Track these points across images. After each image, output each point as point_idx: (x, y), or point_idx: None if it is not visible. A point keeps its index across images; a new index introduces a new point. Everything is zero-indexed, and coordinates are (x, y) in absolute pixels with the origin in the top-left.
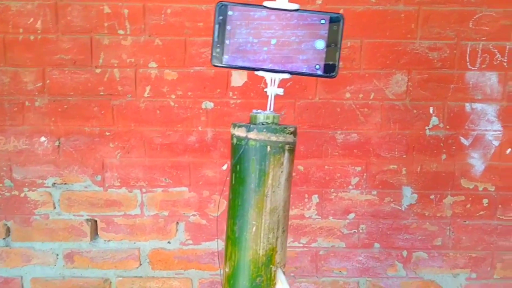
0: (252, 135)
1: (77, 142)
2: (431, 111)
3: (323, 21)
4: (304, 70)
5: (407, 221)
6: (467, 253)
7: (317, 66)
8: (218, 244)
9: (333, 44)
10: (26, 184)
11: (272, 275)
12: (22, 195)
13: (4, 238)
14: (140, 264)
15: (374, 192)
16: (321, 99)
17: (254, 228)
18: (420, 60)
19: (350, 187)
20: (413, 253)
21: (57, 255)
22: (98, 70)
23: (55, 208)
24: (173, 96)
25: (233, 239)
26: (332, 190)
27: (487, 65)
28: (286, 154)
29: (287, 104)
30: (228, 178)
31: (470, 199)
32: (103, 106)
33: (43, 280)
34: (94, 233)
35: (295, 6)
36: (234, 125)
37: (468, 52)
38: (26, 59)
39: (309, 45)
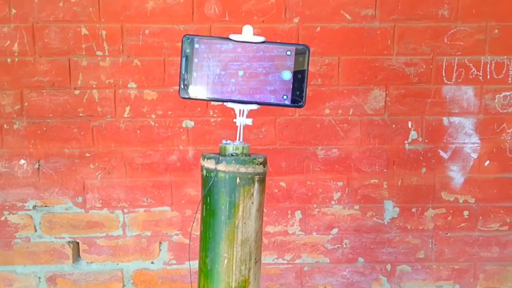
0: (221, 167)
1: (57, 164)
2: (409, 125)
3: (289, 53)
4: (272, 101)
5: (389, 235)
6: (450, 265)
7: (285, 97)
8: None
9: (299, 74)
10: (6, 207)
11: None
12: (3, 218)
13: None
14: (124, 286)
15: (357, 207)
16: (301, 116)
17: (225, 261)
18: (397, 75)
19: (333, 202)
20: (396, 266)
21: (39, 278)
22: (77, 92)
23: (36, 231)
24: (153, 116)
25: (205, 272)
26: (315, 205)
27: (463, 79)
28: (256, 185)
29: (268, 121)
30: (199, 208)
31: (451, 211)
32: (82, 128)
33: None
34: (76, 255)
35: (261, 38)
36: (203, 157)
37: (444, 67)
38: (4, 82)
39: (276, 76)
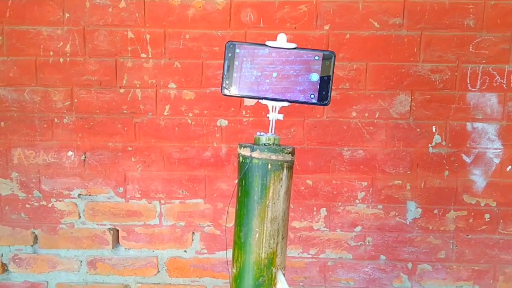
0: (255, 154)
1: (102, 157)
2: (433, 129)
3: (317, 58)
4: (300, 99)
5: (411, 235)
6: (470, 266)
7: (312, 96)
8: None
9: (326, 77)
10: (54, 195)
11: (273, 276)
12: (50, 205)
13: (32, 245)
14: (158, 272)
15: (380, 206)
16: (328, 118)
17: (257, 235)
18: (422, 81)
19: (357, 201)
20: (417, 265)
21: (81, 262)
22: (122, 90)
23: (80, 217)
24: (191, 114)
25: (239, 244)
26: (340, 203)
27: (487, 86)
28: (285, 171)
29: (296, 122)
30: (234, 191)
31: (472, 214)
32: (126, 124)
33: (67, 285)
34: (116, 241)
35: (293, 45)
36: (240, 146)
37: (468, 74)
38: (56, 80)
39: (305, 78)
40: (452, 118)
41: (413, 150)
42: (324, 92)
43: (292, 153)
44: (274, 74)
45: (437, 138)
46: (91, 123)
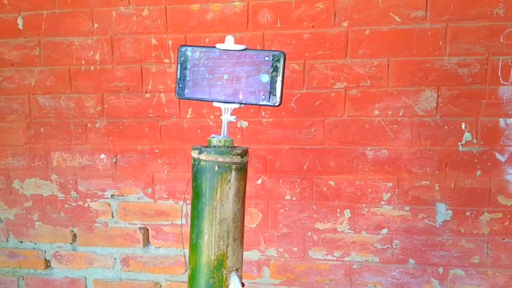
0: (202, 156)
1: (131, 159)
2: (463, 127)
3: (266, 58)
4: (251, 101)
5: (442, 238)
6: (507, 272)
7: (263, 96)
8: (257, 254)
9: (276, 77)
10: (89, 195)
11: (224, 277)
12: (86, 205)
13: (71, 243)
14: (186, 270)
15: (407, 208)
16: (349, 117)
17: (206, 236)
18: (449, 76)
19: (382, 202)
20: (449, 270)
21: (115, 259)
22: (147, 95)
23: (113, 217)
24: (212, 117)
25: (191, 245)
26: (364, 205)
27: None
28: (233, 172)
29: (316, 122)
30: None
31: (508, 216)
32: (152, 127)
33: (103, 281)
34: (146, 240)
35: (242, 47)
36: (193, 148)
37: (500, 66)
38: (88, 87)
39: (256, 79)
40: (483, 114)
41: (441, 149)
42: (274, 93)
43: (242, 154)
44: (225, 76)
45: (467, 136)
46: (121, 127)
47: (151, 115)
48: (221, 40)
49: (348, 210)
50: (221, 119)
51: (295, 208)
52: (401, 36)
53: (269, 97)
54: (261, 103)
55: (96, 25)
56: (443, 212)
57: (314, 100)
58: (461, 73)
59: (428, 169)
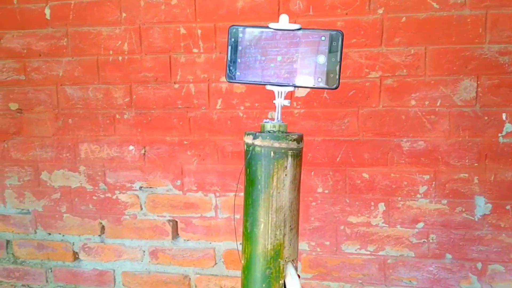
0: (257, 142)
1: (160, 150)
2: (504, 117)
3: (323, 38)
4: (307, 83)
5: (481, 232)
6: None
7: (319, 79)
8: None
9: (333, 58)
10: (118, 187)
11: (281, 268)
12: (114, 197)
13: (99, 235)
14: (216, 263)
15: (444, 201)
16: (384, 107)
17: (262, 225)
18: (489, 65)
19: (418, 195)
20: (488, 265)
21: (144, 251)
22: (176, 86)
23: (141, 209)
24: (242, 108)
25: (246, 234)
26: (399, 198)
27: None
28: (290, 159)
29: (350, 112)
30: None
31: None
32: (181, 118)
33: (132, 274)
34: (175, 232)
35: (296, 26)
36: (246, 133)
37: None
38: (116, 77)
39: (312, 60)
40: None
41: (480, 140)
42: (332, 75)
43: (298, 140)
44: (279, 58)
45: (508, 127)
46: (149, 118)
47: (179, 106)
48: None
49: (383, 203)
50: (274, 102)
51: (328, 201)
52: (439, 23)
53: (327, 80)
54: (317, 86)
55: (124, 14)
56: (482, 205)
57: (348, 90)
58: (502, 62)
59: (466, 161)
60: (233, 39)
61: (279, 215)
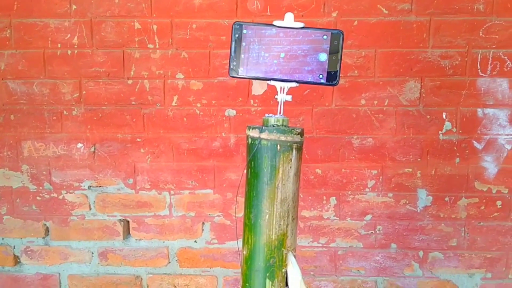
0: (264, 135)
1: (111, 148)
2: (444, 116)
3: (325, 37)
4: (309, 79)
5: (422, 223)
6: (482, 254)
7: (321, 76)
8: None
9: (334, 56)
10: (64, 187)
11: (284, 257)
12: (61, 197)
13: (43, 238)
14: (169, 262)
15: (390, 195)
16: (337, 106)
17: (267, 216)
18: (432, 67)
19: (367, 189)
20: (429, 253)
21: (92, 253)
22: (130, 82)
23: (90, 209)
24: (199, 105)
25: (249, 226)
26: (349, 192)
27: (497, 72)
28: (294, 152)
29: (305, 111)
30: (244, 173)
31: (484, 201)
32: (134, 115)
33: (79, 276)
34: (127, 232)
35: (300, 24)
36: (249, 127)
37: (479, 59)
38: (64, 72)
39: (313, 58)
40: (463, 104)
41: (423, 137)
42: (332, 72)
43: (301, 134)
44: (282, 55)
45: (447, 125)
46: (100, 115)
47: (133, 103)
48: (209, 27)
49: (334, 198)
50: (276, 98)
51: None
52: (387, 27)
53: (328, 77)
54: (319, 82)
55: (74, 6)
56: (423, 198)
57: (303, 89)
58: (443, 65)
59: (410, 156)
60: (237, 35)
61: (283, 206)
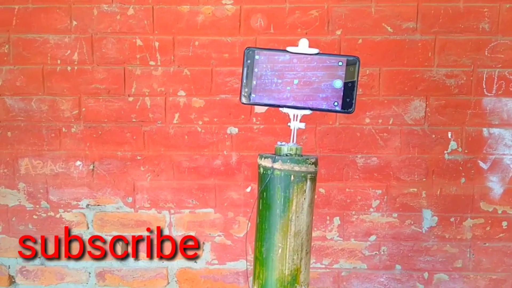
0: (277, 165)
1: (110, 166)
2: (449, 135)
3: (340, 63)
4: (323, 107)
5: (427, 243)
6: (488, 275)
7: (336, 103)
8: (241, 264)
9: (350, 83)
10: (62, 205)
11: None
12: (58, 216)
13: (39, 257)
14: (168, 283)
15: (395, 215)
16: (341, 124)
17: (280, 250)
18: (437, 86)
19: (371, 209)
20: (434, 275)
21: (89, 273)
22: (130, 99)
23: (88, 228)
24: (200, 122)
25: (261, 260)
26: (353, 212)
27: (503, 91)
28: (308, 182)
29: (308, 129)
30: (255, 204)
31: (489, 221)
32: (135, 132)
33: None
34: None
35: (315, 50)
36: (261, 156)
37: (484, 79)
38: (63, 88)
39: (328, 85)
40: (468, 123)
41: (428, 157)
42: (348, 100)
43: (316, 163)
44: (296, 81)
45: (453, 145)
46: (100, 132)
47: (134, 120)
48: (212, 44)
49: (338, 218)
50: (289, 125)
51: None
52: (392, 46)
53: (343, 104)
54: (333, 109)
55: (74, 22)
56: (429, 218)
57: None
58: (449, 84)
59: (415, 176)
60: (249, 61)
61: (297, 239)
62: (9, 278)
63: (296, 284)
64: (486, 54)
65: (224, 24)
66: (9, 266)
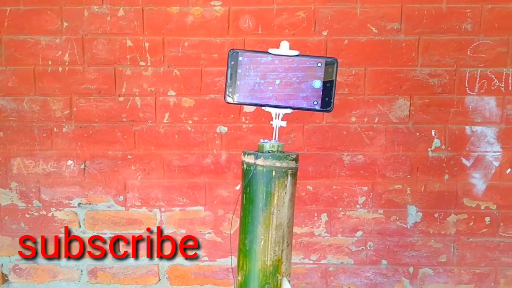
0: (259, 161)
1: (101, 165)
2: (433, 133)
3: (319, 64)
4: (304, 106)
5: (412, 239)
6: (471, 269)
7: (315, 102)
8: (232, 261)
9: (328, 83)
10: (54, 204)
11: (279, 283)
12: (50, 214)
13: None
14: (159, 280)
15: (381, 211)
16: (328, 123)
17: (262, 242)
18: (421, 86)
19: (358, 206)
20: (419, 269)
21: (82, 271)
22: (121, 99)
23: (80, 226)
24: (190, 122)
25: (244, 252)
26: (340, 209)
27: (485, 90)
28: (289, 177)
29: (296, 128)
30: (239, 198)
31: (472, 217)
32: (125, 132)
33: None
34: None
35: (295, 52)
36: (244, 153)
37: (467, 78)
38: (55, 89)
39: (308, 85)
40: (451, 122)
41: (412, 154)
42: (327, 99)
43: (296, 160)
44: (277, 81)
45: (436, 142)
46: (91, 132)
47: (124, 120)
48: (201, 44)
49: (325, 214)
50: (271, 124)
51: None
52: (377, 46)
53: (322, 103)
54: (313, 108)
55: (65, 23)
56: (413, 214)
57: None
58: (432, 83)
59: (400, 173)
60: (233, 62)
61: (278, 231)
62: (2, 276)
63: (277, 274)
64: (469, 54)
65: (213, 25)
66: (2, 264)
